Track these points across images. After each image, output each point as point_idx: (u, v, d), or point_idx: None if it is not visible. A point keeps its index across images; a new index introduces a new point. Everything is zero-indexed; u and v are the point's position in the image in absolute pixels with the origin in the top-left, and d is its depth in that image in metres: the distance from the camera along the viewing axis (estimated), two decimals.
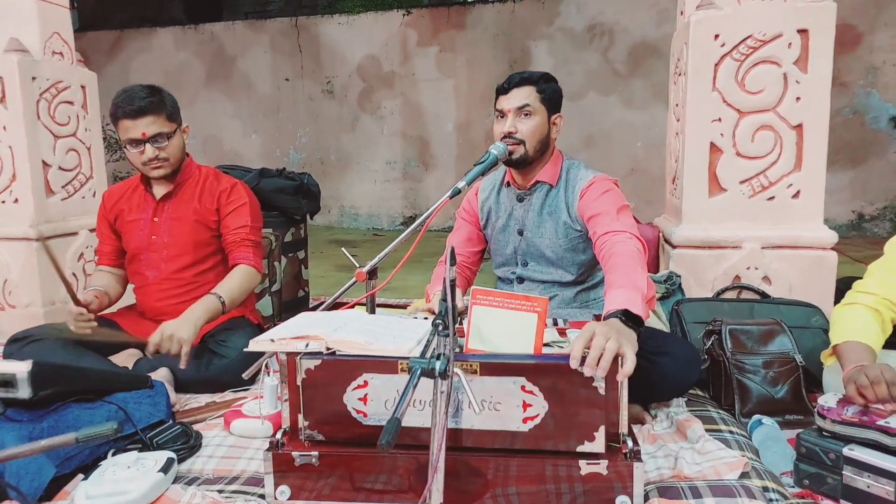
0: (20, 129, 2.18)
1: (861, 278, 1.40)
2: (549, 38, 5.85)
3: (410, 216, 6.43)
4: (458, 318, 1.29)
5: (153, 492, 1.08)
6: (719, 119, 1.87)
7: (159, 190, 1.75)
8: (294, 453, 1.05)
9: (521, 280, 1.62)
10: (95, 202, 2.42)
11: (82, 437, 0.84)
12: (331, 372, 1.04)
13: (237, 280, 1.68)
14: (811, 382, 1.49)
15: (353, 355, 1.05)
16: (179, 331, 1.48)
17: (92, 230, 2.36)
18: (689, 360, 1.41)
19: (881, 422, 1.07)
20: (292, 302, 2.37)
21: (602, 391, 0.99)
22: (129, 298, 1.86)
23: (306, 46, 6.48)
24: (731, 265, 1.89)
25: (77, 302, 1.53)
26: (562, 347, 1.16)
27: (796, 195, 1.87)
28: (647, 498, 1.05)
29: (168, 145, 1.66)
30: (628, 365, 0.98)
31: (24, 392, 1.16)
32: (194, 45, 6.72)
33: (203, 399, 1.58)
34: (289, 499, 1.06)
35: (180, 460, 1.22)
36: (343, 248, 1.56)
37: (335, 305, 1.39)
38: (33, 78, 2.22)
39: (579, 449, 1.01)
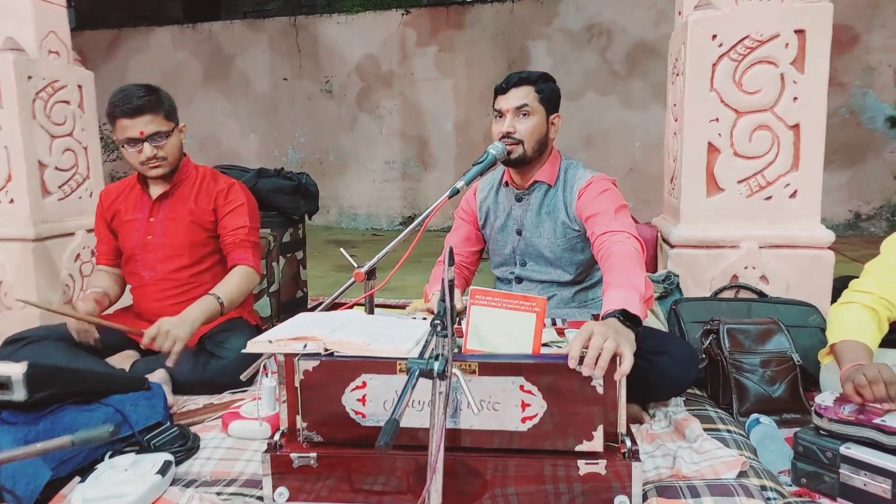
0: (16, 129, 2.17)
1: (858, 277, 1.41)
2: (548, 38, 5.85)
3: (409, 216, 6.43)
4: (457, 319, 1.29)
5: (151, 494, 1.08)
6: (717, 119, 1.88)
7: (155, 190, 1.74)
8: (292, 455, 1.05)
9: (519, 280, 1.62)
10: (92, 202, 2.41)
11: (78, 439, 0.83)
12: (329, 373, 1.04)
13: (236, 281, 1.67)
14: (808, 381, 1.49)
15: (352, 356, 1.05)
16: (175, 328, 1.48)
17: (89, 231, 2.35)
18: (687, 360, 1.41)
19: (877, 420, 1.07)
20: (291, 303, 2.37)
21: (600, 391, 0.99)
22: (127, 299, 1.86)
23: (305, 46, 6.47)
24: (728, 265, 1.90)
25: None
26: (560, 347, 1.16)
27: (793, 195, 1.87)
28: (645, 497, 1.05)
29: (166, 144, 1.65)
30: (626, 364, 0.98)
31: (19, 394, 1.15)
32: (192, 44, 6.70)
33: (201, 401, 1.58)
34: (287, 500, 1.06)
35: (178, 462, 1.22)
36: (342, 249, 1.56)
37: (334, 306, 1.39)
38: (29, 77, 2.21)
39: (578, 449, 1.01)
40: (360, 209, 6.62)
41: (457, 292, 1.47)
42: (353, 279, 1.30)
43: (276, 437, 1.09)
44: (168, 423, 1.34)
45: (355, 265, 1.31)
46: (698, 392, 1.60)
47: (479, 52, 6.02)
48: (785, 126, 1.85)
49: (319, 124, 6.56)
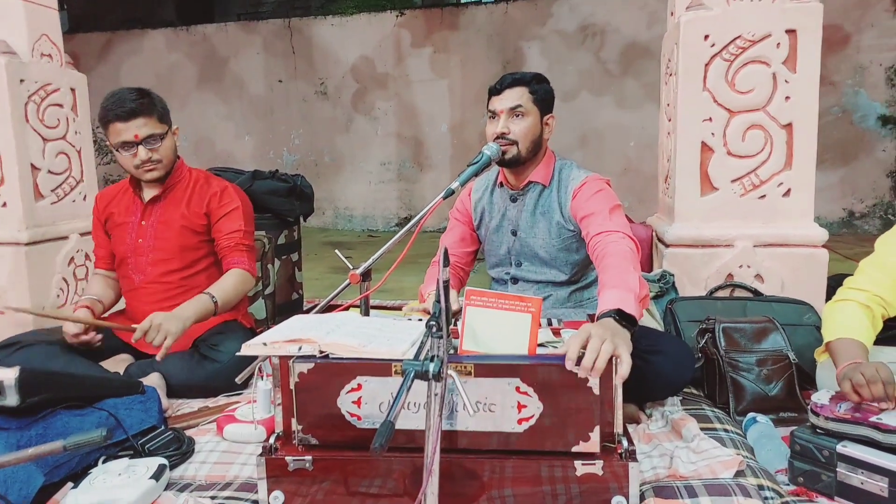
0: (8, 132, 2.16)
1: (852, 275, 1.41)
2: (542, 39, 5.87)
3: (405, 217, 6.43)
4: (452, 320, 1.29)
5: (144, 499, 1.07)
6: (710, 119, 1.88)
7: (148, 193, 1.73)
8: (288, 458, 1.04)
9: (515, 280, 1.62)
10: (86, 206, 2.40)
11: (70, 444, 0.82)
12: (324, 375, 1.04)
13: (231, 282, 1.67)
14: (804, 379, 1.49)
15: (347, 358, 1.04)
16: (168, 323, 1.47)
17: (82, 234, 2.34)
18: (683, 359, 1.41)
19: (874, 418, 1.07)
20: (286, 305, 2.36)
21: (597, 391, 0.99)
22: (122, 303, 1.85)
23: (299, 48, 6.46)
24: (723, 263, 1.90)
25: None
26: (556, 347, 1.16)
27: (787, 193, 1.88)
28: (642, 498, 1.05)
29: (160, 147, 1.64)
30: (624, 368, 0.98)
31: (11, 399, 1.14)
32: (186, 46, 6.68)
33: (195, 404, 1.57)
34: None
35: (172, 466, 1.21)
36: (336, 250, 1.55)
37: (329, 308, 1.38)
38: (21, 80, 2.19)
39: (574, 449, 1.01)
40: (355, 211, 6.61)
41: (453, 293, 1.46)
42: (348, 281, 1.30)
43: (272, 440, 1.08)
44: (162, 427, 1.33)
45: (350, 267, 1.31)
46: (695, 391, 1.61)
47: (474, 53, 6.03)
48: (777, 125, 1.86)
49: (314, 126, 6.55)
